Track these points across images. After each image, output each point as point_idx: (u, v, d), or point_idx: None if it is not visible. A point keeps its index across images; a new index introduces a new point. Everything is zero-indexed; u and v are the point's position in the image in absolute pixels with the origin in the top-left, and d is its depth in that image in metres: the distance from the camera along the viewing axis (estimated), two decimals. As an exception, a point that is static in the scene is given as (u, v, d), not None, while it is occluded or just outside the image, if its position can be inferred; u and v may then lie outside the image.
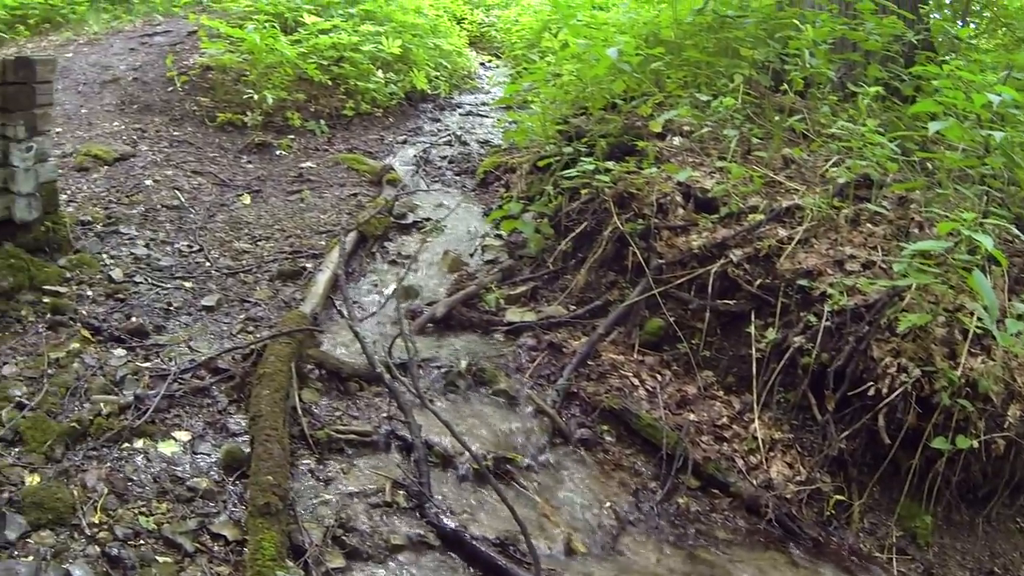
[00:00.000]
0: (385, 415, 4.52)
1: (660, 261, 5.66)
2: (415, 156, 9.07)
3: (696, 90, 7.28)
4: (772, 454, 4.75)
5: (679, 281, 5.54)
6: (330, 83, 9.70)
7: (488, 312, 5.76)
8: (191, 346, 4.79)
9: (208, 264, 5.85)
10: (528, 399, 4.89)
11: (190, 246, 6.09)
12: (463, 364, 5.07)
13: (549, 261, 6.38)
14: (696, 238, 5.74)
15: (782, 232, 5.53)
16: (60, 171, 6.19)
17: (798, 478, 4.66)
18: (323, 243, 6.35)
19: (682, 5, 7.88)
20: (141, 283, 5.43)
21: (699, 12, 7.72)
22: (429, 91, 11.30)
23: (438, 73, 11.81)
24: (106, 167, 7.16)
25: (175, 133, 8.28)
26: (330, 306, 5.48)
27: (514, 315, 5.74)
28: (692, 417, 4.93)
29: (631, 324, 5.62)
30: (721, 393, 5.20)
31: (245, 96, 8.79)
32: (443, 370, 5.02)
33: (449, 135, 10.01)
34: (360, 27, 10.49)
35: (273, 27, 9.09)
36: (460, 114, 11.43)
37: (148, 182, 7.02)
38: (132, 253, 5.79)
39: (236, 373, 4.48)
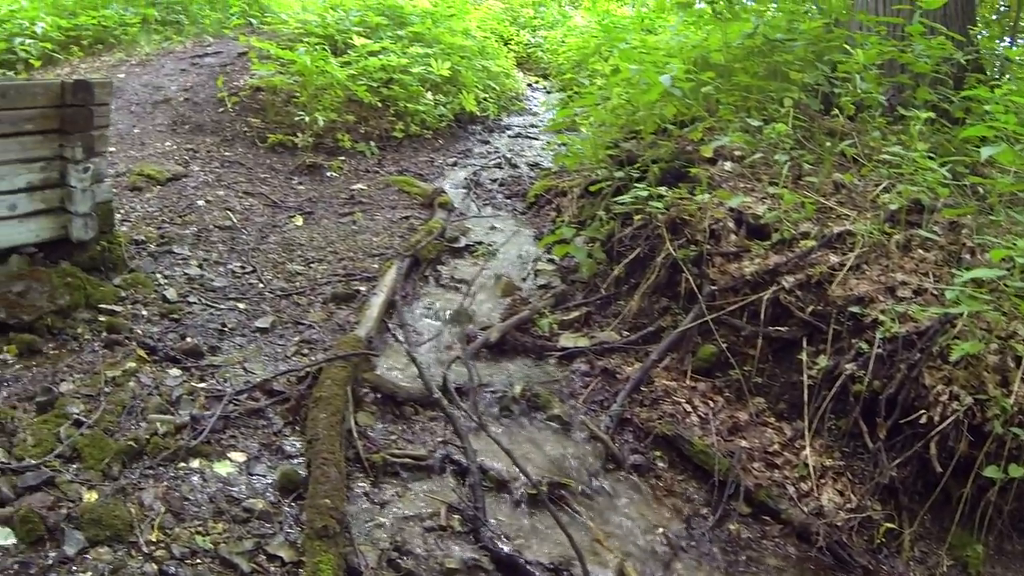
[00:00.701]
0: (440, 439, 4.47)
1: (712, 287, 5.59)
2: (465, 179, 9.05)
3: (746, 114, 7.20)
4: (823, 481, 4.67)
5: (731, 308, 5.47)
6: (380, 105, 9.73)
7: (542, 337, 5.71)
8: (246, 367, 4.76)
9: (261, 285, 5.84)
10: (582, 425, 4.84)
11: (243, 267, 6.08)
12: (517, 389, 5.02)
13: (602, 286, 6.32)
14: (748, 264, 5.66)
15: (833, 258, 5.44)
16: (114, 191, 6.22)
17: (849, 505, 4.55)
18: (376, 266, 6.32)
19: (731, 28, 7.81)
20: (195, 303, 5.42)
21: (749, 36, 7.63)
22: (478, 113, 11.30)
23: (486, 95, 11.81)
24: (159, 187, 7.20)
25: (226, 153, 8.33)
26: (384, 330, 5.44)
27: (568, 340, 5.68)
28: (744, 443, 4.86)
29: (684, 350, 5.54)
30: (772, 420, 5.11)
31: (296, 118, 8.83)
32: (497, 395, 4.99)
33: (499, 157, 9.99)
34: (409, 49, 10.53)
35: (324, 49, 9.13)
36: (509, 136, 11.42)
37: (200, 202, 7.05)
38: (186, 273, 5.79)
39: (291, 395, 4.44)
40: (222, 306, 5.47)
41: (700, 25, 9.50)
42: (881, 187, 6.04)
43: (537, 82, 15.52)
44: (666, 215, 6.11)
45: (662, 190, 6.26)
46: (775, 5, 8.65)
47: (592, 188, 7.04)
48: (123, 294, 5.30)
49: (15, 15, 10.40)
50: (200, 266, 5.95)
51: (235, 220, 6.82)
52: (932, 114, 6.51)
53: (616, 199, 6.43)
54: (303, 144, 8.73)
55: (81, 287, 5.10)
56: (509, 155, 10.15)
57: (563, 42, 15.40)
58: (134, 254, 5.87)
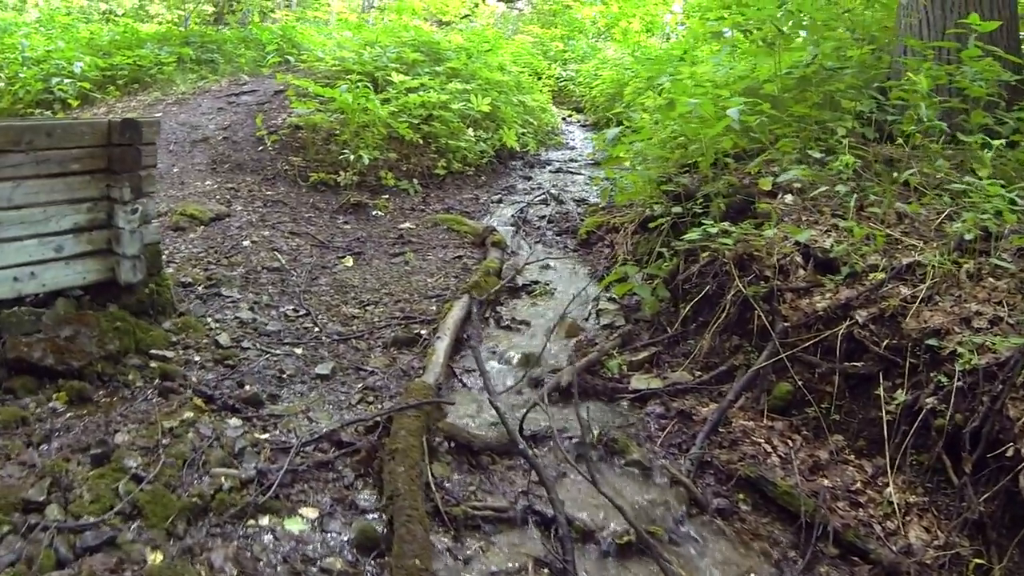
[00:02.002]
0: (520, 489, 4.15)
1: (785, 324, 5.36)
2: (513, 216, 8.80)
3: (802, 145, 6.95)
4: (908, 518, 4.41)
5: (806, 344, 5.23)
6: (421, 142, 9.51)
7: (612, 379, 5.42)
8: (310, 417, 4.46)
9: (317, 329, 5.56)
10: (663, 469, 4.56)
11: (296, 310, 5.81)
12: (594, 434, 4.71)
13: (667, 325, 6.06)
14: (819, 300, 5.43)
15: (904, 290, 5.23)
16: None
17: (936, 543, 4.28)
18: (434, 308, 6.04)
19: (784, 58, 7.55)
20: (250, 348, 5.14)
21: (807, 65, 7.38)
22: (518, 148, 11.08)
23: (525, 130, 11.59)
24: (202, 227, 6.96)
25: (268, 193, 8.10)
26: (451, 375, 5.13)
27: (639, 382, 5.38)
28: (826, 483, 4.61)
29: (759, 389, 5.27)
30: (852, 457, 4.87)
31: (341, 156, 8.60)
32: (574, 441, 4.67)
33: (543, 193, 9.73)
34: (447, 85, 10.33)
35: (367, 86, 8.92)
36: (550, 171, 11.19)
37: (246, 243, 6.80)
38: (237, 317, 5.52)
39: (361, 447, 4.13)
40: (278, 351, 5.18)
41: (742, 55, 9.26)
42: (944, 215, 5.83)
43: (570, 115, 15.37)
44: (733, 251, 5.87)
45: (725, 225, 5.99)
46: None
47: (651, 224, 6.74)
48: (174, 339, 5.04)
49: (51, 56, 10.30)
50: (251, 309, 5.69)
51: (283, 261, 6.56)
52: (1000, 141, 6.28)
53: (683, 236, 6.13)
54: (346, 182, 8.51)
55: (130, 332, 4.84)
56: (554, 191, 9.89)
57: (596, 75, 15.22)
58: (182, 297, 5.62)
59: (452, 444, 4.35)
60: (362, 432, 4.30)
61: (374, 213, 8.14)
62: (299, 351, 5.24)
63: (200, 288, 5.83)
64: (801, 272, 5.69)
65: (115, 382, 4.47)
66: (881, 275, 5.32)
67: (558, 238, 8.32)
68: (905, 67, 7.18)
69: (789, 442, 4.92)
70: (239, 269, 6.27)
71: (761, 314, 5.44)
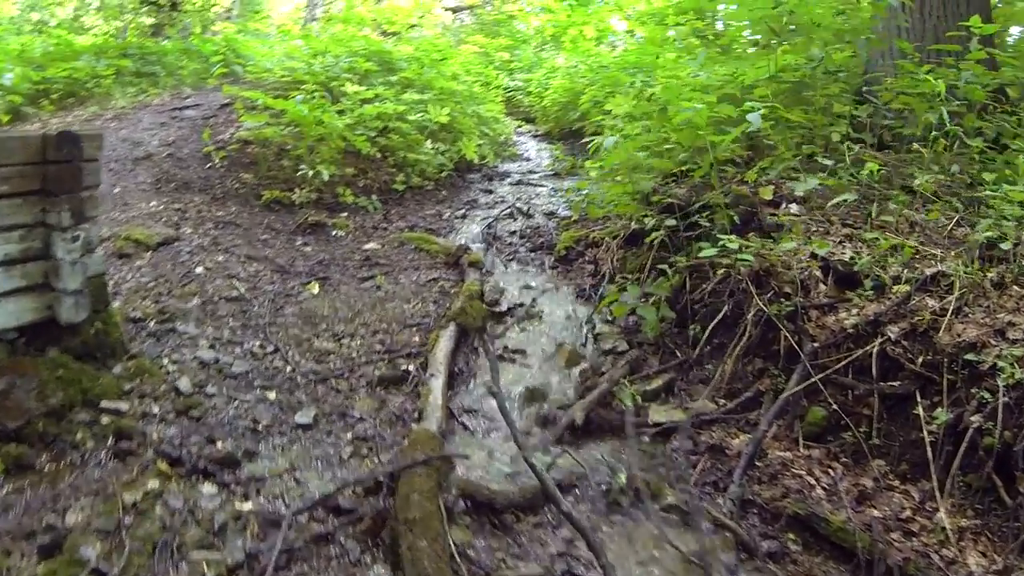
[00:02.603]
0: (554, 551, 3.57)
1: (814, 344, 4.94)
2: (482, 232, 8.19)
3: (796, 153, 6.53)
4: (963, 544, 4.10)
5: (838, 365, 4.84)
6: (378, 156, 8.85)
7: (627, 412, 4.84)
8: (297, 478, 3.80)
9: (290, 369, 4.88)
10: (704, 512, 4.07)
11: (263, 346, 5.13)
12: (622, 478, 4.19)
13: (676, 348, 5.56)
14: (846, 316, 5.04)
15: (931, 302, 4.93)
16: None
17: (995, 567, 3.97)
18: (416, 339, 5.40)
19: (780, 59, 7.09)
20: (215, 395, 4.45)
21: (814, 67, 6.95)
22: (476, 161, 10.48)
23: (482, 141, 10.98)
24: (150, 252, 6.23)
25: (219, 213, 7.38)
26: (449, 416, 4.50)
27: (659, 414, 4.86)
28: (876, 513, 4.27)
29: (791, 416, 4.84)
30: (897, 482, 4.53)
31: (299, 172, 7.92)
32: (601, 486, 4.14)
33: (508, 207, 9.14)
34: (402, 95, 9.68)
35: (324, 97, 8.23)
36: (510, 184, 10.61)
37: (199, 269, 6.09)
38: (197, 357, 4.82)
39: (364, 513, 3.49)
40: (248, 397, 4.50)
41: (710, 60, 8.80)
42: (953, 222, 5.59)
43: (520, 126, 14.80)
44: (748, 267, 5.37)
45: (732, 237, 5.50)
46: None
47: (647, 239, 6.19)
48: (127, 386, 4.33)
49: (-22, 67, 9.44)
50: (212, 347, 4.99)
51: (242, 290, 5.86)
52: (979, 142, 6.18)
53: (685, 251, 5.60)
54: (302, 200, 7.82)
55: (76, 381, 4.13)
56: (520, 204, 9.31)
57: (547, 85, 14.67)
58: (133, 335, 4.90)
59: (470, 503, 3.74)
60: (362, 494, 3.66)
61: (334, 233, 7.46)
62: (272, 395, 4.56)
63: (152, 324, 5.12)
64: (822, 287, 5.30)
65: (61, 443, 3.76)
66: (906, 287, 5.01)
67: (533, 254, 7.74)
68: (898, 70, 6.82)
69: (830, 471, 4.58)
70: (194, 300, 5.57)
71: (787, 334, 5.02)
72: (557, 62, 15.47)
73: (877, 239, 5.32)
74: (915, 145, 6.35)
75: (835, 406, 4.74)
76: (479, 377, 5.15)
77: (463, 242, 7.50)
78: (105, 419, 3.99)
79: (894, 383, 4.70)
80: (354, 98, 8.96)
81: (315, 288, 6.12)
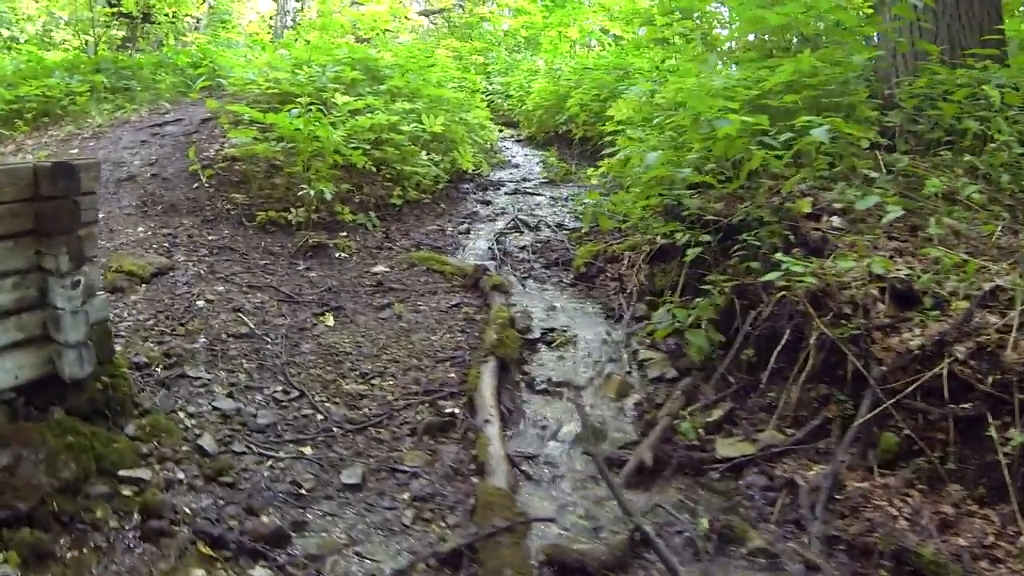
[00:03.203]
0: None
1: (882, 368, 4.58)
2: (490, 248, 7.75)
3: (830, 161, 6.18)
4: None
5: (909, 388, 4.49)
6: (373, 169, 8.34)
7: (692, 447, 4.52)
8: (359, 552, 3.31)
9: (321, 417, 4.39)
10: (793, 554, 3.78)
11: (286, 391, 4.62)
12: (705, 523, 3.82)
13: (727, 374, 5.16)
14: (910, 336, 4.71)
15: (992, 319, 4.61)
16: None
17: None
18: (453, 375, 4.93)
19: (802, 61, 6.67)
20: (244, 453, 3.95)
21: (861, 71, 6.60)
22: (469, 170, 10.01)
23: (474, 150, 10.50)
24: (144, 285, 5.71)
25: (211, 237, 6.86)
26: (510, 464, 4.03)
27: (727, 449, 4.49)
28: (961, 541, 4.02)
29: (863, 443, 4.52)
30: (976, 507, 4.27)
31: (289, 190, 7.40)
32: (685, 533, 3.78)
33: (511, 219, 8.71)
34: (393, 105, 9.18)
35: (320, 110, 7.70)
36: (506, 193, 10.19)
37: (200, 303, 5.57)
38: (216, 407, 4.32)
39: (446, 595, 3.00)
40: (281, 453, 4.00)
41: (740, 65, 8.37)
42: (998, 229, 5.27)
43: (501, 131, 14.35)
44: (805, 287, 4.98)
45: (793, 259, 5.11)
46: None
47: (687, 257, 5.75)
48: (144, 449, 3.82)
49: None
50: (231, 395, 4.48)
51: (251, 324, 5.35)
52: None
53: (770, 278, 5.16)
54: (298, 220, 7.30)
55: (88, 447, 3.62)
56: (522, 216, 8.87)
57: (529, 88, 14.23)
58: (141, 385, 4.38)
59: (556, 567, 3.28)
60: (438, 566, 3.18)
61: (337, 255, 6.96)
62: (308, 451, 4.06)
63: (159, 369, 4.60)
64: (881, 307, 4.91)
65: (80, 524, 3.25)
66: (965, 303, 4.66)
67: (548, 271, 7.30)
68: (920, 72, 6.49)
69: (908, 499, 4.29)
70: (200, 339, 5.05)
71: (853, 359, 4.65)
72: (537, 65, 15.03)
73: (940, 257, 4.96)
74: (965, 155, 6.01)
75: (907, 430, 4.44)
76: (527, 415, 4.69)
77: (477, 261, 7.03)
78: (126, 491, 3.48)
79: (965, 405, 4.40)
80: (344, 109, 8.45)
81: (330, 320, 5.62)
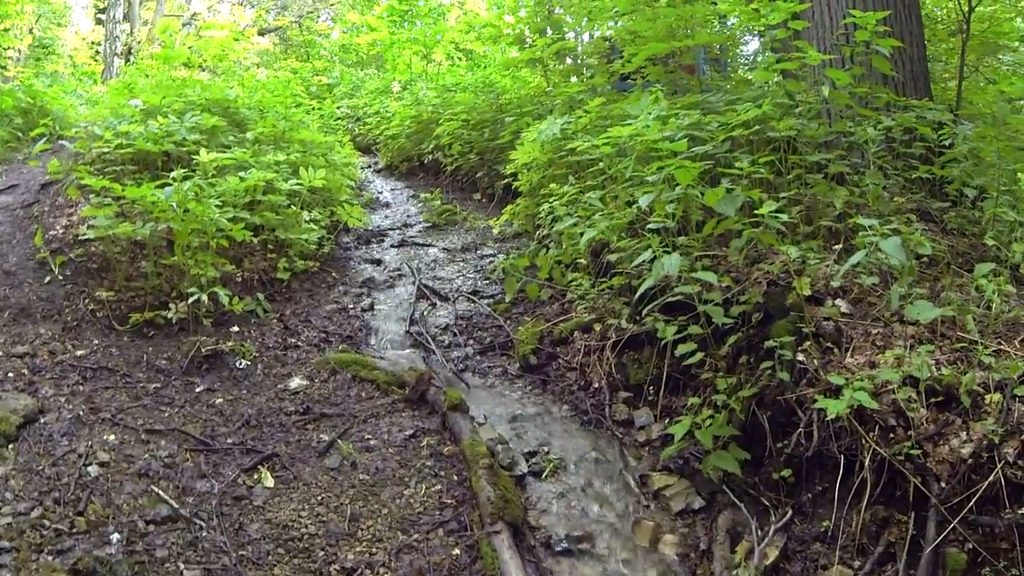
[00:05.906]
0: None
1: (941, 484, 4.16)
2: (407, 332, 6.66)
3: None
4: None
5: (969, 503, 4.13)
6: (252, 239, 7.06)
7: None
8: None
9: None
10: None
11: (253, 609, 3.46)
12: None
13: (760, 496, 4.58)
14: (958, 443, 4.25)
15: None
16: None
17: None
18: (457, 551, 3.92)
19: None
20: None
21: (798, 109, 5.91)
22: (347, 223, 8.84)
23: (348, 199, 9.29)
24: (11, 446, 4.36)
25: (79, 353, 5.49)
26: None
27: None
28: None
29: (933, 566, 4.09)
30: None
31: (177, 282, 6.07)
32: None
33: (412, 285, 7.65)
34: (264, 157, 7.88)
35: (198, 185, 6.32)
36: (392, 246, 9.13)
37: (92, 468, 4.28)
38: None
39: None
40: None
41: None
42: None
43: (357, 158, 13.15)
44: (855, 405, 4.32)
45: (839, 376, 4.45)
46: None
47: (679, 351, 4.91)
48: None
49: None
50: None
51: (170, 500, 4.12)
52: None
53: (827, 404, 4.35)
54: (179, 318, 6.00)
55: None
56: (424, 280, 7.82)
57: (387, 114, 13.06)
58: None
59: None
60: None
61: (239, 364, 5.72)
62: None
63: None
64: (923, 412, 4.37)
65: None
66: (997, 396, 4.23)
67: (485, 359, 6.33)
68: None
69: None
70: (112, 536, 3.80)
71: (912, 478, 4.21)
72: (392, 87, 13.86)
73: (966, 346, 4.52)
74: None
75: (972, 544, 4.06)
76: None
77: (407, 362, 5.90)
78: None
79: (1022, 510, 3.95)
80: (209, 167, 7.11)
81: (268, 479, 4.44)
